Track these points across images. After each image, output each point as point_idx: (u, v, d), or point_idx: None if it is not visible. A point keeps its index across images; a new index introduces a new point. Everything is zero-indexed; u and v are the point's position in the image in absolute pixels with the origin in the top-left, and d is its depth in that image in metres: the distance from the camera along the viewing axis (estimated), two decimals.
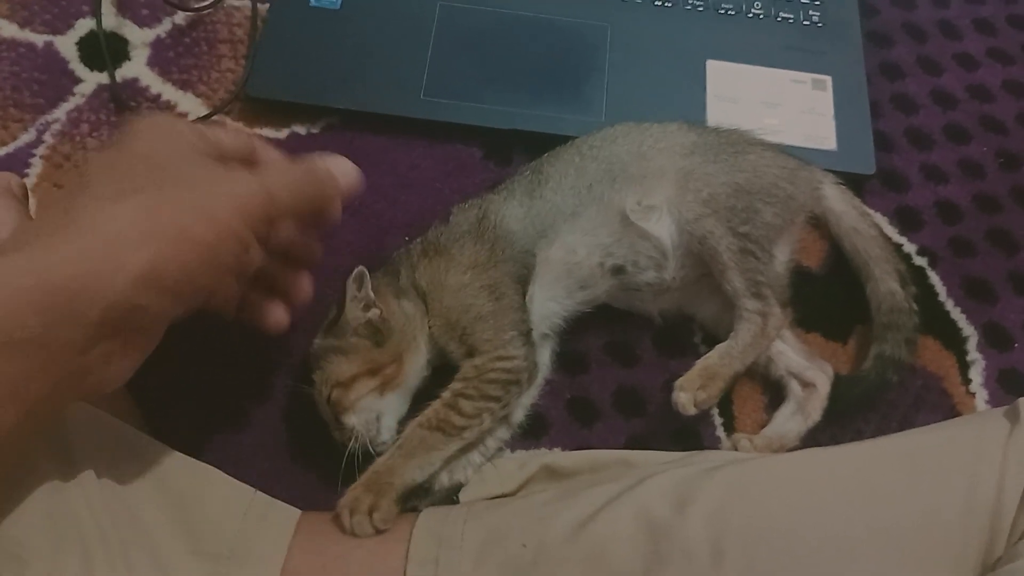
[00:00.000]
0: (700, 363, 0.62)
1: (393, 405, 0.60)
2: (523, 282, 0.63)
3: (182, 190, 0.41)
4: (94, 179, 0.41)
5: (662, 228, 0.64)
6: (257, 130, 0.77)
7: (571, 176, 0.66)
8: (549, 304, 0.64)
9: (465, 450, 0.60)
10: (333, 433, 0.59)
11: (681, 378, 0.61)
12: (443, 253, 0.63)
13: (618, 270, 0.65)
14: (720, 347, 0.63)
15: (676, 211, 0.64)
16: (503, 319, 0.60)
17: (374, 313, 0.59)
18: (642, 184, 0.65)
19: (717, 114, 0.77)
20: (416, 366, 0.61)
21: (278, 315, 0.52)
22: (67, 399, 0.41)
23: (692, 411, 0.60)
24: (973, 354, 0.71)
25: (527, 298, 0.63)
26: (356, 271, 0.59)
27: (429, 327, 0.61)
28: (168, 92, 0.78)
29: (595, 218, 0.64)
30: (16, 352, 0.36)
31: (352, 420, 0.58)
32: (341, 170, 0.51)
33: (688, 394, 0.60)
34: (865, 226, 0.71)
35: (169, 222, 0.39)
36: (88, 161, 0.44)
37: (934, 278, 0.74)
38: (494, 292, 0.61)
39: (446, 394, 0.58)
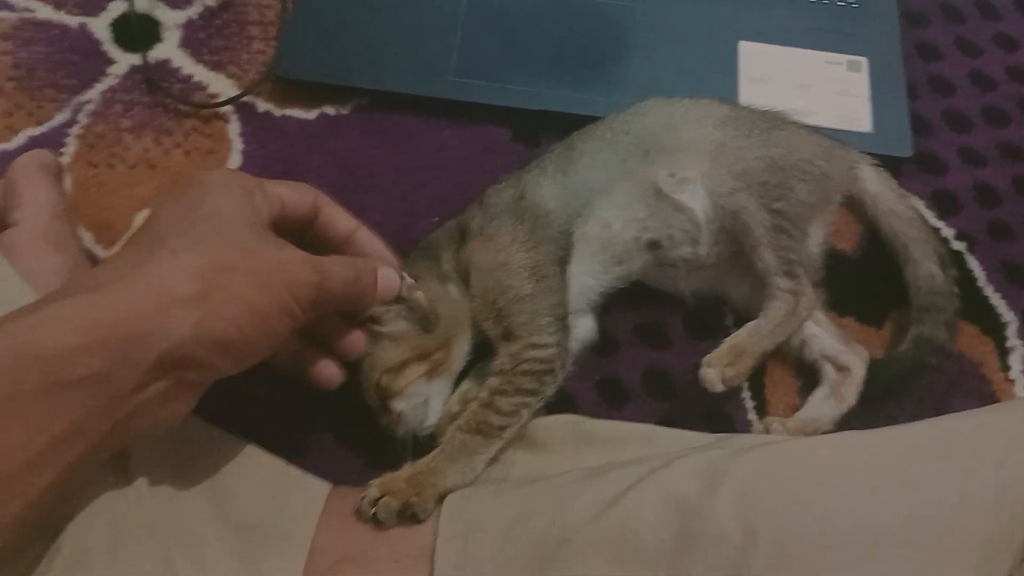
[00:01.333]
0: (729, 340, 0.61)
1: (440, 389, 0.59)
2: (562, 264, 0.62)
3: (242, 256, 0.44)
4: (162, 230, 0.44)
5: (696, 200, 0.63)
6: (287, 111, 0.77)
7: (604, 152, 0.65)
8: (586, 280, 0.63)
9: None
10: (379, 419, 0.58)
11: (709, 355, 0.60)
12: (483, 235, 0.62)
13: (653, 245, 0.64)
14: (749, 325, 0.62)
15: (709, 184, 0.63)
16: (541, 303, 0.60)
17: (423, 298, 0.57)
18: (675, 156, 0.64)
19: (749, 96, 0.76)
20: (463, 350, 0.60)
21: (330, 371, 0.54)
22: (126, 438, 0.42)
23: (719, 388, 0.59)
24: (1013, 340, 0.69)
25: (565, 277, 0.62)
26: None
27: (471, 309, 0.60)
28: (199, 73, 0.78)
29: (629, 192, 0.63)
30: (82, 388, 0.38)
31: (400, 405, 0.57)
32: (387, 280, 0.53)
33: (716, 370, 0.59)
34: (903, 207, 0.69)
35: (225, 285, 0.42)
36: (157, 208, 0.47)
37: (972, 263, 0.73)
38: (535, 274, 0.60)
39: (483, 394, 0.58)
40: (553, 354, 0.59)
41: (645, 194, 0.63)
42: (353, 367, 0.56)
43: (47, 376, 0.37)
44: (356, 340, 0.54)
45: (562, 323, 0.60)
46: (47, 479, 0.38)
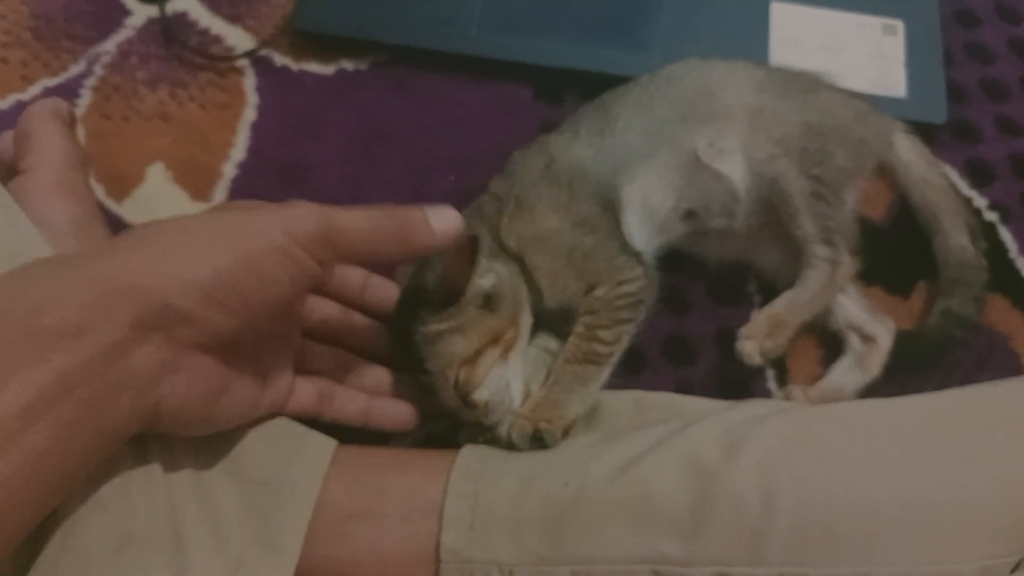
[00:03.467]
0: (766, 311, 0.59)
1: (515, 369, 0.56)
2: (610, 209, 0.60)
3: (229, 214, 0.44)
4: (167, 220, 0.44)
5: (734, 170, 0.61)
6: (304, 65, 0.75)
7: (640, 116, 0.63)
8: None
9: None
10: (464, 417, 0.55)
11: (745, 326, 0.59)
12: (522, 206, 0.59)
13: (690, 215, 0.62)
14: (787, 294, 0.60)
15: (748, 151, 0.61)
16: (608, 247, 0.58)
17: (491, 279, 0.55)
18: (712, 123, 0.62)
19: (781, 58, 0.73)
20: (528, 323, 0.57)
21: (400, 413, 0.56)
22: (136, 415, 0.40)
23: (758, 361, 0.58)
24: None
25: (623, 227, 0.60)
26: (468, 237, 0.51)
27: (537, 284, 0.57)
28: (217, 26, 0.77)
29: (668, 160, 0.61)
30: (59, 339, 0.37)
31: (484, 395, 0.54)
32: (441, 216, 0.49)
33: (754, 342, 0.58)
34: (935, 177, 0.67)
35: (208, 234, 0.42)
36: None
37: (1005, 234, 0.70)
38: (587, 226, 0.58)
39: (579, 328, 0.57)
40: (642, 285, 0.58)
41: (684, 163, 0.61)
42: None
43: (23, 325, 0.37)
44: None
45: (637, 257, 0.59)
46: (42, 435, 0.36)
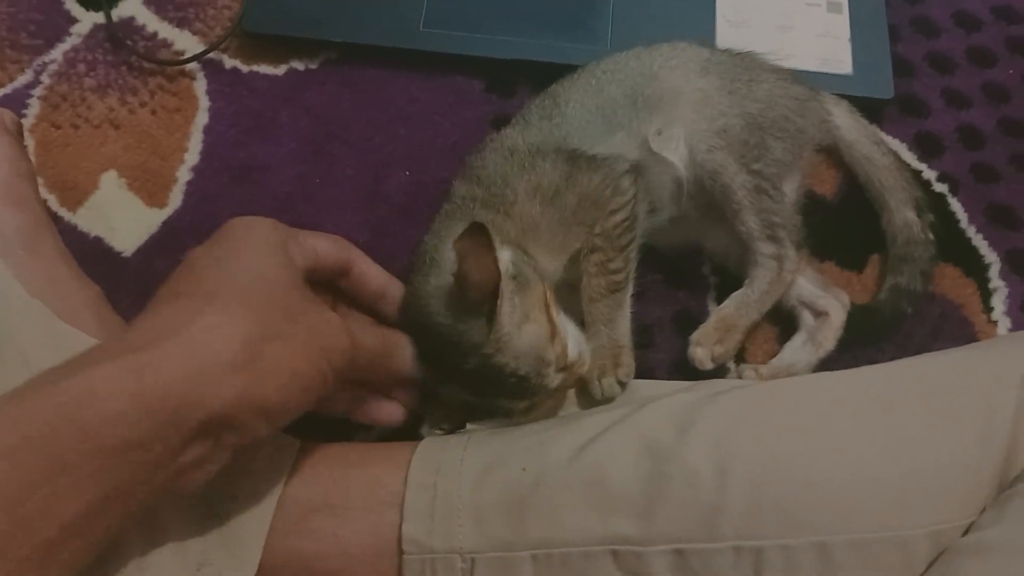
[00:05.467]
0: (716, 315, 0.60)
1: (563, 314, 0.56)
2: (576, 156, 0.59)
3: (286, 322, 0.44)
4: (204, 285, 0.44)
5: (678, 156, 0.62)
6: (254, 67, 0.75)
7: (592, 98, 0.63)
8: None
9: None
10: (546, 385, 0.53)
11: (697, 331, 0.60)
12: (501, 209, 0.57)
13: (651, 211, 0.62)
14: (736, 296, 0.61)
15: (690, 138, 0.61)
16: (587, 185, 0.58)
17: (506, 254, 0.53)
18: (661, 108, 0.62)
19: (728, 40, 0.74)
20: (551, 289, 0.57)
21: (390, 410, 0.55)
22: (160, 498, 0.41)
23: (709, 366, 0.59)
24: (996, 281, 0.68)
25: None
26: (474, 226, 0.49)
27: (542, 264, 0.57)
28: (164, 30, 0.77)
29: (626, 143, 0.61)
30: (124, 455, 0.37)
31: (574, 352, 0.54)
32: (406, 354, 0.54)
33: (705, 349, 0.59)
34: (878, 155, 0.68)
35: (270, 352, 0.42)
36: (194, 258, 0.47)
37: (955, 205, 0.71)
38: (563, 189, 0.58)
39: (591, 268, 0.58)
40: (629, 201, 0.58)
41: (637, 149, 0.61)
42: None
43: (88, 443, 0.36)
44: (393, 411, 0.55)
45: (620, 171, 0.59)
46: (83, 544, 0.37)
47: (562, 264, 0.59)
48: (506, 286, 0.51)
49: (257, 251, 0.47)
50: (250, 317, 0.42)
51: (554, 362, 0.53)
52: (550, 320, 0.53)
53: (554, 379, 0.53)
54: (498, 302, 0.50)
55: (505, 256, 0.53)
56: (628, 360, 0.57)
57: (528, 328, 0.52)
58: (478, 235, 0.49)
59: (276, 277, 0.46)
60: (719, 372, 0.62)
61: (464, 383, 0.53)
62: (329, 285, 0.55)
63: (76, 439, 0.36)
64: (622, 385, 0.56)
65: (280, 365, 0.42)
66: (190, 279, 0.45)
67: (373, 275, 0.55)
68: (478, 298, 0.50)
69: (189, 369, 0.39)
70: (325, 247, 0.52)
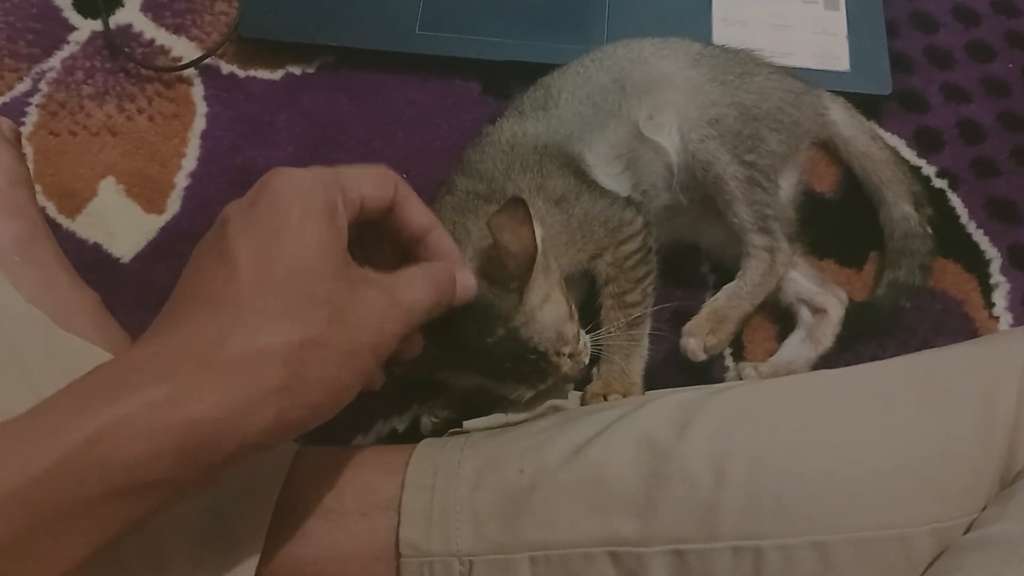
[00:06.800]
0: (708, 306, 0.60)
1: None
2: (584, 173, 0.60)
3: (329, 326, 0.39)
4: (235, 280, 0.38)
5: (671, 141, 0.62)
6: (251, 72, 0.75)
7: (582, 87, 0.63)
8: None
9: None
10: (559, 367, 0.53)
11: (689, 323, 0.60)
12: (503, 198, 0.56)
13: (645, 196, 0.62)
14: (728, 288, 0.61)
15: (682, 125, 0.61)
16: (597, 208, 0.58)
17: (539, 229, 0.52)
18: (651, 92, 0.62)
19: (724, 39, 0.74)
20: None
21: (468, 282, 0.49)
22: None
23: (702, 357, 0.59)
24: (997, 277, 0.68)
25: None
26: (513, 200, 0.50)
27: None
28: (162, 37, 0.77)
29: (618, 131, 0.62)
30: (146, 492, 0.35)
31: (583, 341, 0.55)
32: (464, 284, 0.48)
33: (697, 339, 0.59)
34: (875, 149, 0.68)
35: (311, 366, 0.38)
36: (229, 238, 0.39)
37: (955, 200, 0.71)
38: (568, 199, 0.58)
39: (608, 301, 0.58)
40: (641, 232, 0.59)
41: (629, 136, 0.62)
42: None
43: (110, 484, 0.34)
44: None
45: (627, 203, 0.59)
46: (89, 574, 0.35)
47: (563, 271, 0.57)
48: (540, 260, 0.51)
49: (299, 228, 0.40)
50: (289, 327, 0.37)
51: (571, 341, 0.53)
52: (567, 300, 0.53)
53: (564, 363, 0.53)
54: (532, 274, 0.50)
55: (540, 231, 0.52)
56: (636, 389, 0.58)
57: (548, 306, 0.52)
58: (517, 208, 0.50)
59: (320, 267, 0.40)
60: (712, 365, 0.62)
61: (480, 363, 0.52)
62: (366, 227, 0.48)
63: (95, 482, 0.34)
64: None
65: (321, 375, 0.38)
66: (219, 275, 0.39)
67: (416, 214, 0.47)
68: (515, 269, 0.50)
69: (223, 399, 0.36)
70: (371, 192, 0.44)
